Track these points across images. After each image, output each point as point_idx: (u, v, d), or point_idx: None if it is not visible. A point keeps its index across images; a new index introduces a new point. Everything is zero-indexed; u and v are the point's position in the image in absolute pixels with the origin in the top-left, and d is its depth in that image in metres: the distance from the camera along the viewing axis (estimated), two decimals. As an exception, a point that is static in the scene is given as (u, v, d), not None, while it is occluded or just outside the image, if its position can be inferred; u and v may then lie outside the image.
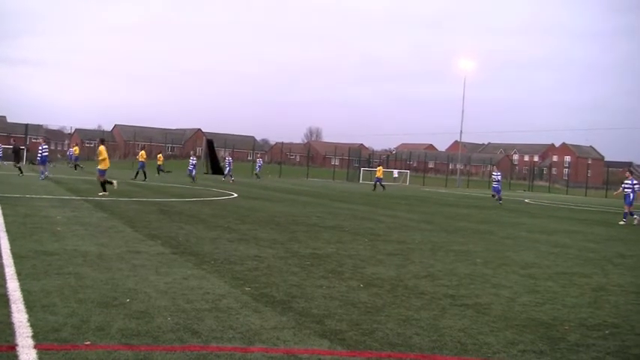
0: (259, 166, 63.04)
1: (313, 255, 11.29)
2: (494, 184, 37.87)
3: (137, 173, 42.38)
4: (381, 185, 50.58)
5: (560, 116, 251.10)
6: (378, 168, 54.32)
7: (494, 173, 38.64)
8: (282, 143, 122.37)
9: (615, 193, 27.67)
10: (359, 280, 9.04)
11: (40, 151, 36.71)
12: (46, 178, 33.47)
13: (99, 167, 24.22)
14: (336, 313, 6.92)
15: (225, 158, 56.25)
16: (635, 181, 26.45)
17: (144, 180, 39.79)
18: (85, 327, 5.79)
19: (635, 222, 25.29)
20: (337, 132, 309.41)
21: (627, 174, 27.87)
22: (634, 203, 26.42)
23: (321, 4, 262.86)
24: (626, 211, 26.07)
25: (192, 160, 46.09)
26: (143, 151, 44.58)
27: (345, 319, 6.67)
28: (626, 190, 26.51)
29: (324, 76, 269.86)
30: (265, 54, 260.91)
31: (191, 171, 45.27)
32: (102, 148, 24.98)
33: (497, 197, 37.30)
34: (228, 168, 51.07)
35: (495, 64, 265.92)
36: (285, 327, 6.24)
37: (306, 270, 9.66)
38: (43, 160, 35.69)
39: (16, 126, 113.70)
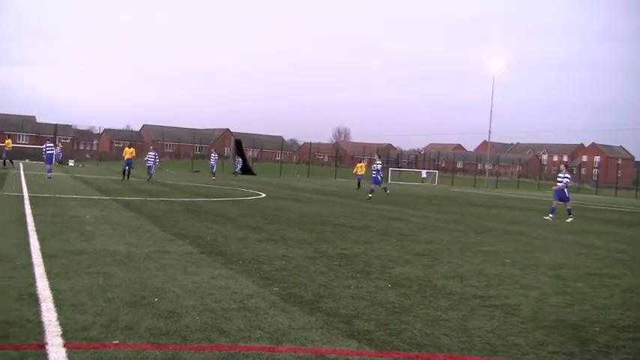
0: (239, 164, 62.67)
1: (341, 255, 11.27)
2: (374, 174, 32.64)
3: (127, 172, 36.99)
4: (358, 184, 46.38)
5: (590, 116, 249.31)
6: (359, 165, 48.37)
7: (376, 162, 33.40)
8: (311, 143, 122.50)
9: (554, 187, 25.97)
10: (387, 281, 9.00)
11: (44, 149, 37.03)
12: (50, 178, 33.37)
13: None
14: (364, 314, 6.89)
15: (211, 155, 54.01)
16: (567, 175, 24.91)
17: (122, 180, 35.79)
18: (114, 326, 5.82)
19: (553, 217, 24.20)
20: (366, 132, 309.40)
21: (562, 167, 26.36)
22: (562, 198, 24.74)
23: (350, 5, 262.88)
24: (554, 206, 24.72)
25: (151, 155, 39.86)
26: (132, 149, 38.72)
27: (373, 320, 6.65)
28: (558, 185, 24.97)
29: (353, 76, 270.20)
30: (295, 54, 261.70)
31: (150, 167, 39.11)
32: None
33: (382, 188, 34.11)
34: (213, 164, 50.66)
35: (525, 64, 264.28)
36: (313, 327, 6.22)
37: (334, 270, 9.64)
38: (49, 159, 36.01)
39: (45, 126, 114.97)
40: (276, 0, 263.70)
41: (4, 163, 47.19)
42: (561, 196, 24.70)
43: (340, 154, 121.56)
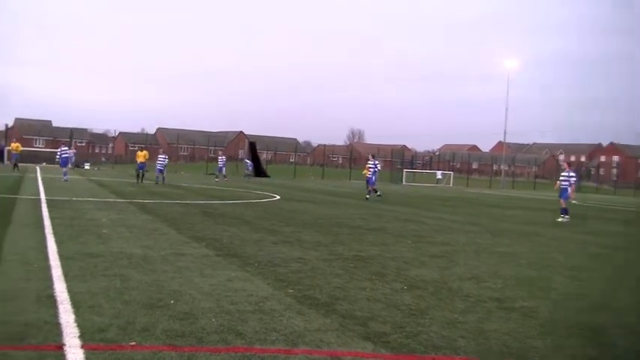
0: (250, 166, 62.89)
1: (357, 257, 11.25)
2: (369, 175, 31.93)
3: (142, 175, 37.33)
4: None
5: (607, 115, 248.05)
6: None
7: (372, 162, 32.37)
8: (325, 145, 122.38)
9: (555, 187, 25.22)
10: (403, 283, 8.98)
11: (59, 153, 37.59)
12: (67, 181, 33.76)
13: None
14: (380, 316, 6.88)
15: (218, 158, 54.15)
16: (572, 174, 24.39)
17: (137, 183, 35.98)
18: (131, 328, 5.85)
19: (563, 220, 23.41)
20: (380, 133, 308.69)
21: (565, 165, 25.93)
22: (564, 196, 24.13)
23: (358, 5, 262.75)
24: (563, 206, 24.01)
25: (162, 158, 39.03)
26: (145, 152, 38.74)
27: (388, 322, 6.63)
28: (562, 184, 24.35)
29: (365, 77, 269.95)
30: (306, 55, 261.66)
31: (160, 170, 38.52)
32: None
33: (372, 189, 32.21)
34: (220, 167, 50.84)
35: (540, 63, 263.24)
36: (329, 329, 6.22)
37: (349, 272, 9.63)
38: (64, 162, 36.49)
39: (61, 130, 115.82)
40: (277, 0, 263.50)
41: (16, 167, 47.45)
42: (564, 195, 24.18)
43: (355, 156, 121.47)
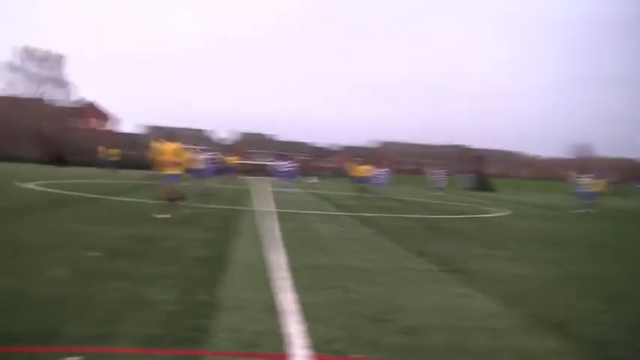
0: (470, 179, 61.34)
1: (587, 276, 10.63)
2: (581, 189, 31.37)
3: (362, 189, 37.69)
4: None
5: None
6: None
7: (581, 177, 31.91)
8: (552, 158, 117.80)
9: None
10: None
11: (280, 166, 41.11)
12: (290, 192, 35.67)
13: (172, 171, 16.30)
14: (617, 340, 6.42)
15: (433, 172, 53.91)
16: None
17: (360, 194, 36.45)
18: (357, 340, 5.87)
19: None
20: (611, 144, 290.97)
21: None
22: None
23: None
24: None
25: (382, 171, 40.62)
26: (365, 166, 38.92)
27: (628, 346, 6.18)
28: None
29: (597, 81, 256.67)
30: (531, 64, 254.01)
31: (379, 184, 39.58)
32: (175, 145, 16.55)
33: (589, 204, 31.20)
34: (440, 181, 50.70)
35: None
36: (562, 352, 5.90)
37: (582, 292, 9.11)
38: (286, 175, 40.16)
39: (283, 144, 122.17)
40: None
41: (232, 178, 50.00)
42: None
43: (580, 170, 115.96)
